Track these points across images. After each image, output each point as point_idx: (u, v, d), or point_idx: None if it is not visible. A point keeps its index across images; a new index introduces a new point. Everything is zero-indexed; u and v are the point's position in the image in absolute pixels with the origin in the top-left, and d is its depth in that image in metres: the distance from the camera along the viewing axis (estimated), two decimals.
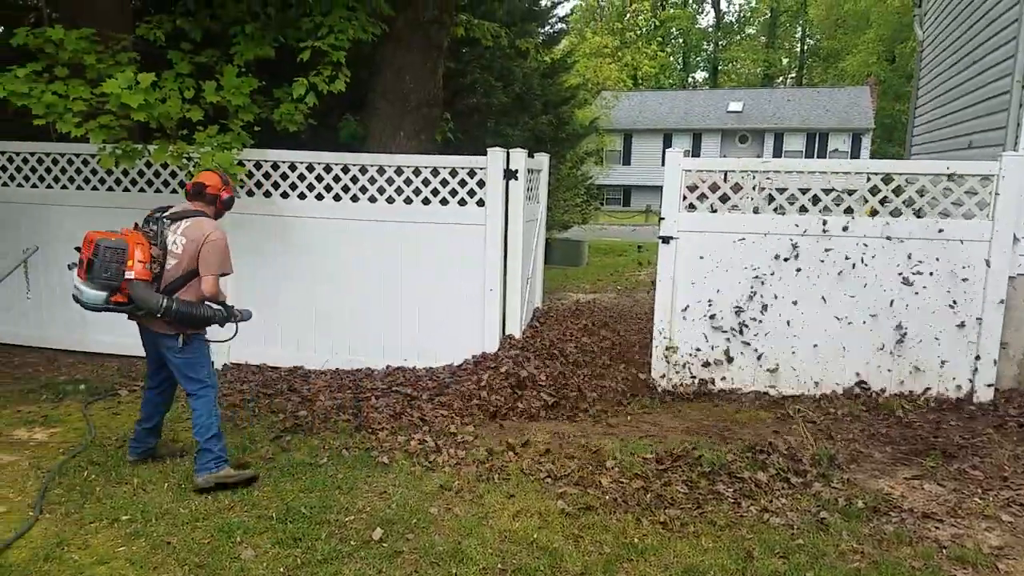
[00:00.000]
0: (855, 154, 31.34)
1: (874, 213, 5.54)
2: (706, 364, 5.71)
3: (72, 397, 5.51)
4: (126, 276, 3.73)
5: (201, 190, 4.07)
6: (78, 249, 3.85)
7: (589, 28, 24.77)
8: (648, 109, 35.03)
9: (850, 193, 5.55)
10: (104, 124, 5.30)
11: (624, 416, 5.23)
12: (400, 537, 3.44)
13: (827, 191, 5.47)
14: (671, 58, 47.44)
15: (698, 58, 52.34)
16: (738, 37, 50.74)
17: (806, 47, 50.19)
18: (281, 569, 3.16)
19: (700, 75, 52.74)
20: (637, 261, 15.28)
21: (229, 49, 6.32)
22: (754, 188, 5.62)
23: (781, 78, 50.01)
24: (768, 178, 5.67)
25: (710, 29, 51.44)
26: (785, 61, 50.54)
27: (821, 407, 5.34)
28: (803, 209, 5.51)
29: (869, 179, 5.56)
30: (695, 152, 32.88)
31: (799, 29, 49.72)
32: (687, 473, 4.12)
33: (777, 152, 32.31)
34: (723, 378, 5.71)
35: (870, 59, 38.61)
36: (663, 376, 5.79)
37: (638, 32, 30.13)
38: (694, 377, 5.74)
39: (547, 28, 15.97)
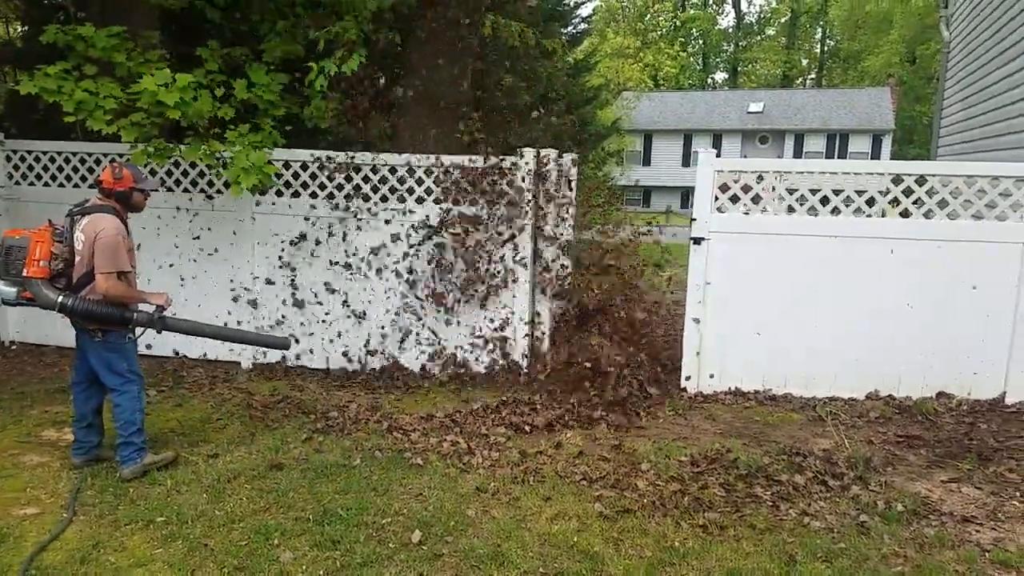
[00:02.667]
0: (875, 155, 31.02)
1: (907, 214, 5.45)
2: (736, 365, 5.64)
3: None
4: (23, 274, 3.83)
5: (97, 184, 4.09)
6: None
7: (610, 28, 24.68)
8: (668, 109, 34.86)
9: (883, 194, 5.47)
10: (136, 122, 5.31)
11: (654, 418, 5.18)
12: (439, 540, 3.41)
13: (860, 192, 5.40)
14: (691, 59, 47.19)
15: (718, 59, 52.04)
16: (758, 38, 50.39)
17: (826, 48, 49.77)
18: (321, 572, 3.14)
19: (720, 76, 52.49)
20: (657, 263, 15.16)
21: (257, 46, 6.34)
22: (772, 188, 5.54)
23: (800, 79, 49.61)
24: (801, 178, 5.60)
25: (730, 30, 51.15)
26: (805, 62, 50.12)
27: (852, 409, 5.27)
28: (836, 211, 5.44)
29: (903, 180, 5.46)
30: (715, 153, 32.64)
31: (819, 30, 49.30)
32: (723, 476, 4.07)
33: (797, 153, 32.04)
34: (753, 379, 5.63)
35: (892, 60, 38.17)
36: (693, 377, 5.73)
37: (660, 32, 29.98)
38: (724, 378, 5.67)
39: (570, 28, 15.97)
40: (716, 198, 5.53)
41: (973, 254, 5.21)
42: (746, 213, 5.54)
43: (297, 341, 6.14)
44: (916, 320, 5.32)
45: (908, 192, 5.35)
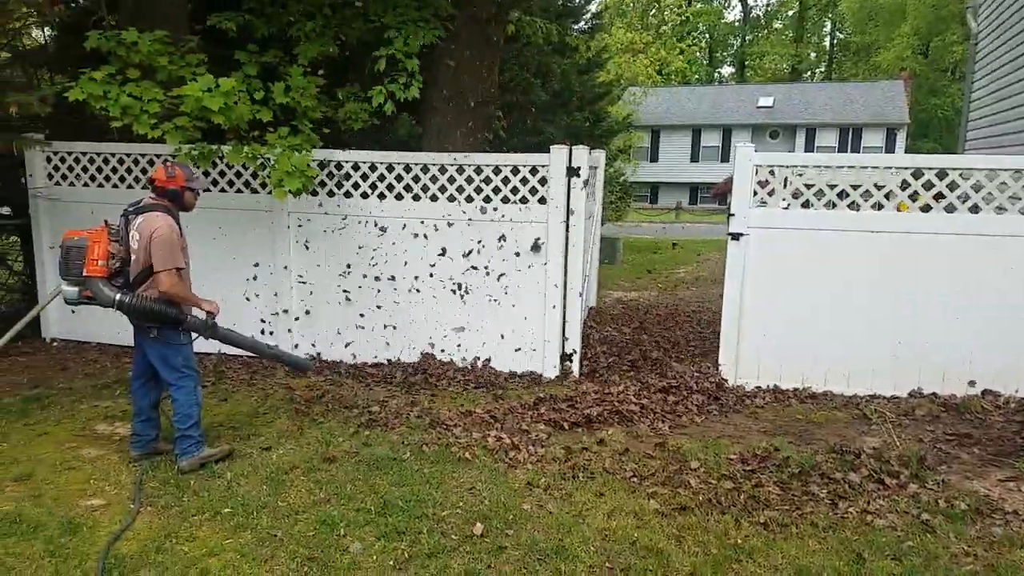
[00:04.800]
0: (889, 150, 30.82)
1: (952, 210, 5.44)
2: (775, 362, 5.66)
3: None
4: (83, 273, 3.92)
5: (150, 183, 4.14)
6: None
7: (617, 23, 24.60)
8: (676, 105, 34.72)
9: (927, 188, 5.46)
10: (180, 125, 5.38)
11: (695, 416, 5.20)
12: (500, 533, 3.45)
13: (902, 187, 5.40)
14: (698, 53, 47.02)
15: (725, 53, 51.85)
16: (765, 31, 50.18)
17: (835, 41, 49.51)
18: (390, 562, 3.20)
19: (727, 70, 52.31)
20: (673, 259, 15.21)
21: (292, 49, 6.39)
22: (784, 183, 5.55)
23: (809, 73, 49.38)
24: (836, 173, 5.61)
25: (737, 23, 50.94)
26: (813, 56, 49.88)
27: (897, 407, 5.28)
28: (878, 206, 5.44)
29: (947, 175, 5.43)
30: (725, 148, 32.59)
31: (828, 23, 49.04)
32: (776, 474, 4.09)
33: (809, 148, 31.87)
34: (792, 377, 5.65)
35: (904, 53, 37.93)
36: (731, 374, 5.75)
37: (668, 27, 29.84)
38: (763, 375, 5.69)
39: (581, 24, 15.94)
40: (755, 193, 5.54)
41: (1019, 250, 5.18)
42: (786, 208, 5.55)
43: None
44: (961, 316, 5.30)
45: (953, 186, 5.34)
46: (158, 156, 6.42)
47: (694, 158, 33.89)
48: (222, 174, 6.35)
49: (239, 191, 6.35)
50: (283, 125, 5.77)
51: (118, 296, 3.93)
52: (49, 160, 6.72)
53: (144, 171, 6.54)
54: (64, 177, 6.72)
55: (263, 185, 6.18)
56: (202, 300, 4.15)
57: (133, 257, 4.01)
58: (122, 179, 6.62)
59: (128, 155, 6.57)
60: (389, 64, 6.16)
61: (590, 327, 7.23)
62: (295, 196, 5.71)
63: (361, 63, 6.79)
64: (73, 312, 6.64)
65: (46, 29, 8.09)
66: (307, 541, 3.36)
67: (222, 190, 6.38)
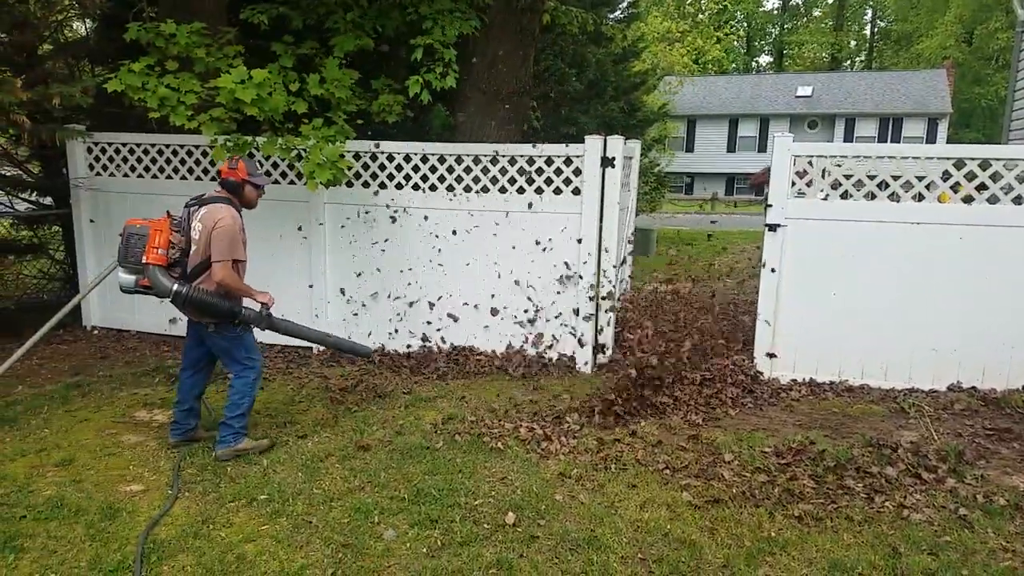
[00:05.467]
0: (930, 140, 30.01)
1: (995, 201, 5.28)
2: (811, 355, 5.56)
3: None
4: (142, 260, 3.93)
5: (218, 175, 4.17)
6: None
7: (653, 12, 24.28)
8: (712, 94, 34.22)
9: (969, 179, 5.31)
10: (216, 117, 5.45)
11: (729, 408, 5.14)
12: (532, 522, 3.46)
13: (944, 178, 5.26)
14: (735, 42, 46.23)
15: (763, 42, 50.88)
16: (804, 20, 49.10)
17: (876, 30, 48.25)
18: (424, 549, 3.22)
19: (764, 59, 51.36)
20: (709, 250, 15.01)
21: (327, 41, 6.43)
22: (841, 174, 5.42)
23: (849, 62, 48.23)
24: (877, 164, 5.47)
25: (775, 12, 49.93)
26: (853, 44, 48.69)
27: (935, 401, 5.16)
28: (919, 197, 5.30)
29: (990, 165, 5.28)
30: (762, 138, 32.04)
31: (868, 11, 47.80)
32: (811, 467, 4.03)
33: (848, 138, 31.18)
34: (829, 370, 5.55)
35: (947, 42, 36.81)
36: (766, 367, 5.67)
37: (705, 15, 29.41)
38: (799, 368, 5.60)
39: (616, 13, 15.78)
40: (793, 183, 5.44)
41: None
42: (825, 199, 5.44)
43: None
44: (1001, 310, 5.17)
45: (996, 177, 5.19)
46: (196, 147, 6.55)
47: (730, 148, 33.41)
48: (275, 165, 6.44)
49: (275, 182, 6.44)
50: (318, 117, 5.82)
51: (175, 287, 3.95)
52: (90, 151, 6.87)
53: (183, 162, 6.65)
54: (104, 168, 6.87)
55: (299, 176, 6.25)
56: (257, 292, 4.15)
57: (193, 248, 4.05)
58: (161, 170, 6.73)
59: (167, 146, 6.67)
60: (426, 54, 6.15)
61: (623, 318, 7.16)
62: (326, 187, 5.75)
63: (395, 55, 6.83)
64: (116, 300, 6.87)
65: (87, 21, 8.27)
66: (341, 528, 3.41)
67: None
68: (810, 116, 32.40)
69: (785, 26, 49.41)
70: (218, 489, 3.82)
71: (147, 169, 6.77)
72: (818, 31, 47.19)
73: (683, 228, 19.41)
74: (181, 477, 3.96)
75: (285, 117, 5.75)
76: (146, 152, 6.74)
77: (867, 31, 48.85)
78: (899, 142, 29.55)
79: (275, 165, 6.42)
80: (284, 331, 4.54)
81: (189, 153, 6.63)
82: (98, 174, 6.89)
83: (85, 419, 4.83)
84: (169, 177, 6.73)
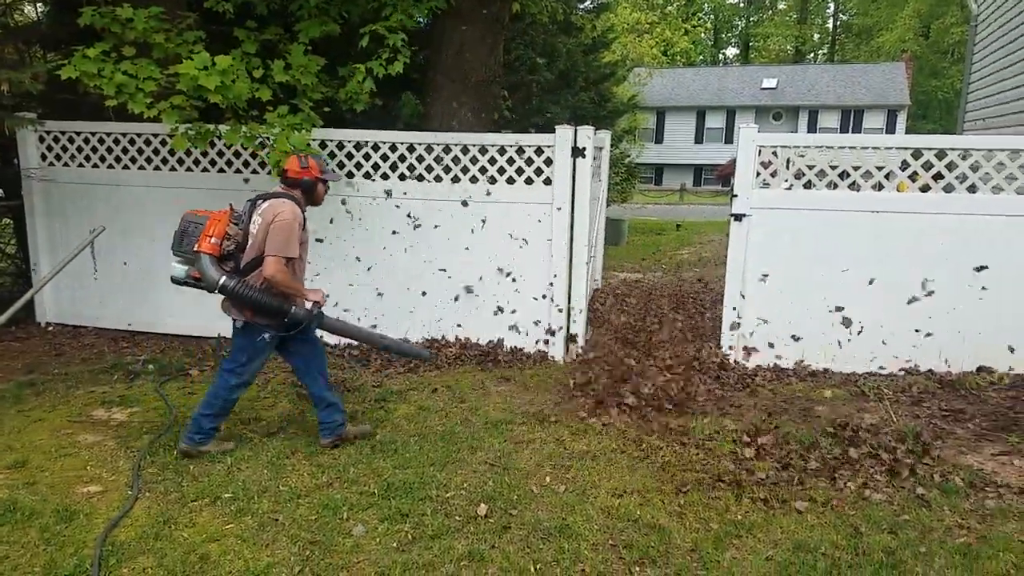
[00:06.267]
0: (890, 131, 30.63)
1: (950, 190, 5.42)
2: (775, 341, 5.65)
3: (143, 377, 5.53)
4: (194, 248, 3.82)
5: (282, 174, 4.08)
6: None
7: (623, 3, 24.35)
8: (680, 86, 34.48)
9: (927, 169, 5.43)
10: (176, 105, 5.30)
11: (697, 395, 5.19)
12: (504, 513, 3.45)
13: (902, 167, 5.38)
14: (703, 34, 46.63)
15: (729, 34, 51.40)
16: (769, 12, 49.74)
17: (839, 23, 49.09)
18: (394, 544, 3.19)
19: (731, 51, 51.90)
20: (677, 240, 15.18)
21: (292, 27, 6.29)
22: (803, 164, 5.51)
23: (812, 54, 49.01)
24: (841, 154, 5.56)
25: (741, 4, 50.45)
26: (817, 37, 49.48)
27: (894, 384, 5.30)
28: (879, 186, 5.41)
29: (946, 155, 5.41)
30: (728, 130, 32.41)
31: (831, 5, 48.60)
32: (777, 451, 4.10)
33: (811, 129, 31.69)
34: (792, 355, 5.66)
35: (906, 35, 37.64)
36: (732, 353, 5.74)
37: (673, 7, 29.62)
38: (763, 354, 5.69)
39: (586, 3, 15.77)
40: (758, 173, 5.50)
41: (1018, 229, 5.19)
42: (789, 188, 5.52)
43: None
44: (956, 295, 5.33)
45: (952, 167, 5.32)
46: (155, 135, 6.37)
47: (698, 139, 33.73)
48: (220, 154, 6.30)
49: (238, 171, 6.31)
50: (283, 104, 5.70)
51: (223, 279, 3.80)
52: (42, 140, 6.61)
53: (140, 151, 6.46)
54: (58, 157, 6.62)
55: (262, 165, 6.13)
56: (308, 290, 4.01)
57: (250, 242, 3.90)
58: (118, 159, 6.50)
59: (124, 135, 6.45)
60: (373, 41, 6.01)
61: (595, 307, 7.20)
62: None
63: (363, 50, 6.68)
64: (73, 295, 6.67)
65: (38, 5, 7.98)
66: (309, 525, 3.34)
67: (220, 170, 6.34)
68: (775, 108, 32.86)
69: (751, 19, 49.98)
70: (180, 488, 3.72)
71: (102, 159, 6.53)
72: (783, 24, 47.85)
73: (652, 218, 19.57)
74: (141, 477, 3.84)
75: (249, 104, 5.62)
76: (101, 141, 6.50)
77: (830, 24, 49.69)
78: (860, 133, 30.13)
79: (237, 154, 6.29)
80: (337, 331, 4.39)
81: (147, 142, 6.42)
82: (51, 164, 6.65)
83: (39, 419, 4.66)
84: (126, 167, 6.51)
